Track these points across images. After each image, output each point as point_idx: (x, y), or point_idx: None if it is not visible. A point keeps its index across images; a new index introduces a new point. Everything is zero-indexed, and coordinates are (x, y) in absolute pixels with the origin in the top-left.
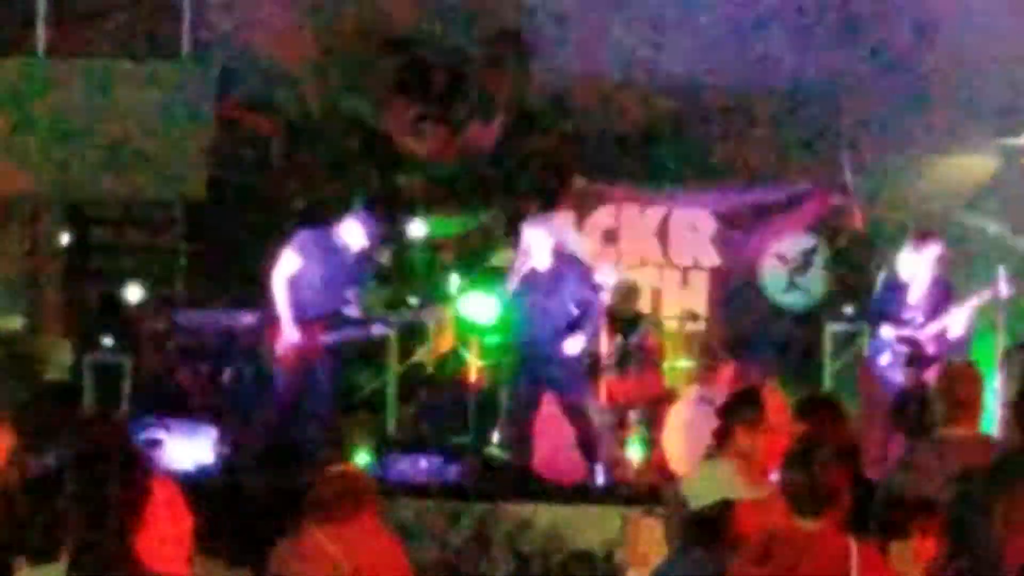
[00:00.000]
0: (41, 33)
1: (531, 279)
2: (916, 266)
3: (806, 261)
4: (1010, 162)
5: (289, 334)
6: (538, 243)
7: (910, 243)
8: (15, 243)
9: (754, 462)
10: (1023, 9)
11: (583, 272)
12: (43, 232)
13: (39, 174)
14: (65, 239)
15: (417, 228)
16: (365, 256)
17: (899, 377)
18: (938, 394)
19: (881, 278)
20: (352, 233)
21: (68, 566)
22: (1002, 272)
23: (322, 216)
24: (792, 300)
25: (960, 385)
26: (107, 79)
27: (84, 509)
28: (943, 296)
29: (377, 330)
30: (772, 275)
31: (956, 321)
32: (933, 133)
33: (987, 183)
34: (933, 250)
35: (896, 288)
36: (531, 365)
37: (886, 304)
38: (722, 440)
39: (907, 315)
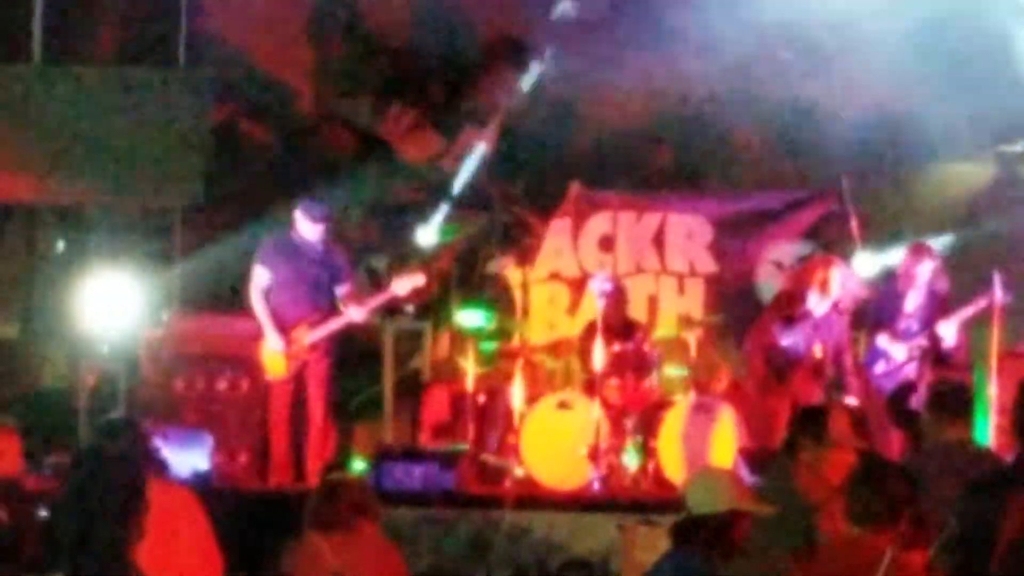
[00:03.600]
0: (38, 40)
1: None
2: (912, 276)
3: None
4: (1008, 169)
5: (273, 343)
6: None
7: (907, 254)
8: (11, 250)
9: (818, 476)
10: (1020, 14)
11: None
12: (39, 239)
13: (35, 180)
14: (61, 246)
15: (418, 235)
16: (331, 248)
17: (893, 384)
18: (926, 405)
19: (878, 287)
20: (303, 227)
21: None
22: (998, 279)
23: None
24: None
25: (944, 394)
26: (103, 86)
27: (80, 515)
28: (939, 307)
29: (356, 315)
30: (769, 282)
31: (947, 332)
32: (931, 140)
33: (985, 190)
34: (928, 263)
35: (893, 297)
36: None
37: (882, 312)
38: (789, 453)
39: (903, 324)
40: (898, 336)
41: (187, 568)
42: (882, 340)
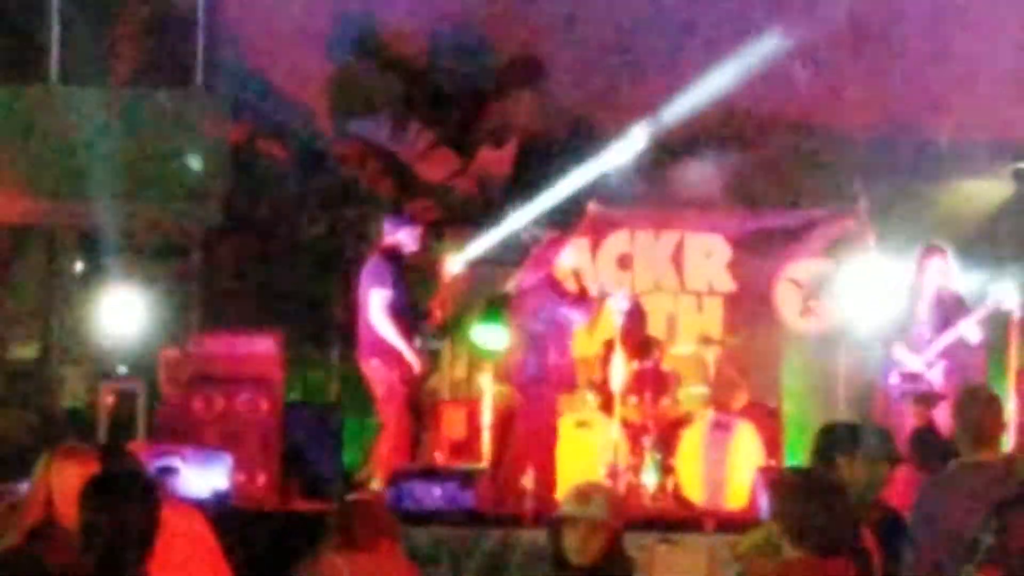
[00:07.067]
0: (55, 62)
1: None
2: (923, 273)
3: (821, 286)
4: None
5: (413, 361)
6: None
7: (916, 258)
8: (30, 271)
9: None
10: None
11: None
12: (58, 260)
13: (53, 203)
14: (80, 267)
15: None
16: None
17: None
18: (956, 422)
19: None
20: (408, 238)
21: None
22: (1016, 295)
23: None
24: (807, 325)
25: (976, 409)
26: (121, 108)
27: (97, 536)
28: (952, 309)
29: (436, 344)
30: (787, 300)
31: (970, 330)
32: (947, 158)
33: (1002, 208)
34: (938, 264)
35: (905, 305)
36: None
37: (896, 322)
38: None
39: (916, 332)
40: (912, 345)
41: None
42: (897, 350)
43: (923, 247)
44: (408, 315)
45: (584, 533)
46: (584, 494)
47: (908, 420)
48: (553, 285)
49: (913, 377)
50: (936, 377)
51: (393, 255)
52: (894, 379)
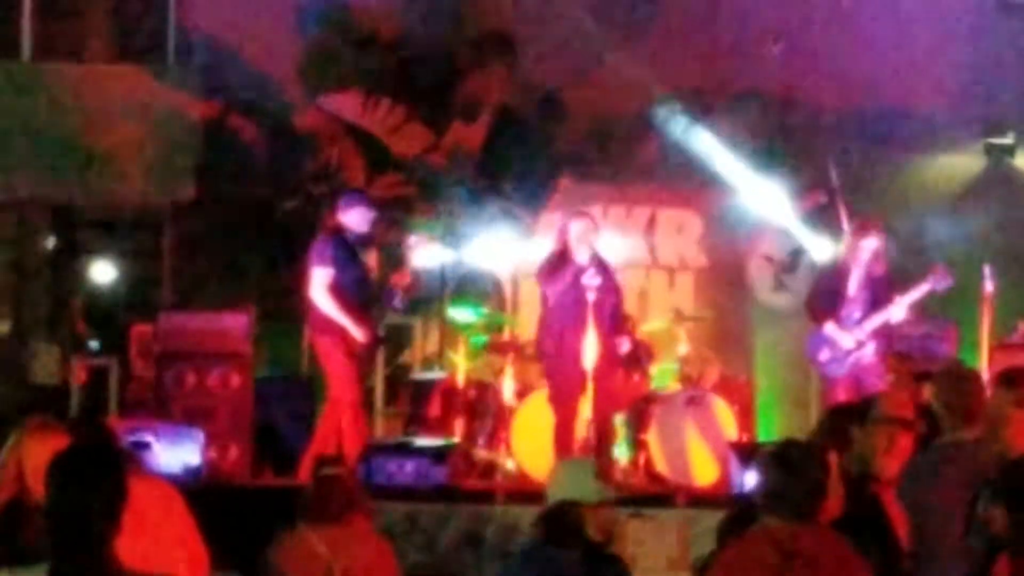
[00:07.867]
0: (27, 38)
1: None
2: (856, 251)
3: (793, 261)
4: (996, 162)
5: (358, 336)
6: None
7: (851, 230)
8: (1, 246)
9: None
10: (1008, 9)
11: None
12: (29, 236)
13: (25, 177)
14: (51, 243)
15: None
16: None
17: (840, 371)
18: (939, 400)
19: (822, 271)
20: (358, 218)
21: (48, 570)
22: (987, 271)
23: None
24: (779, 300)
25: (961, 386)
26: (93, 84)
27: (63, 512)
28: (884, 289)
29: (397, 303)
30: (759, 275)
31: (896, 312)
32: (919, 133)
33: (973, 183)
34: (872, 241)
35: (837, 281)
36: None
37: (826, 299)
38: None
39: (845, 311)
40: (841, 323)
41: (172, 562)
42: (829, 327)
43: (857, 222)
44: (355, 291)
45: (609, 510)
46: (605, 473)
47: (840, 396)
48: (540, 264)
49: (904, 356)
50: (867, 357)
51: (338, 233)
52: (824, 355)
